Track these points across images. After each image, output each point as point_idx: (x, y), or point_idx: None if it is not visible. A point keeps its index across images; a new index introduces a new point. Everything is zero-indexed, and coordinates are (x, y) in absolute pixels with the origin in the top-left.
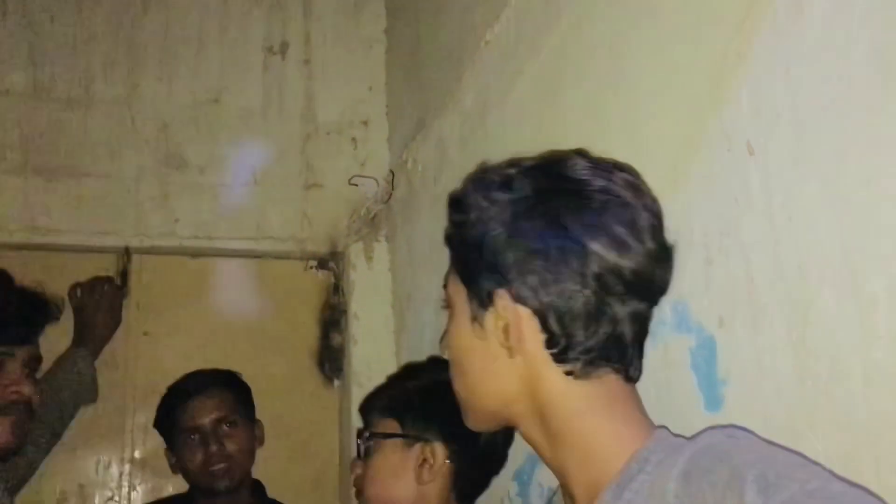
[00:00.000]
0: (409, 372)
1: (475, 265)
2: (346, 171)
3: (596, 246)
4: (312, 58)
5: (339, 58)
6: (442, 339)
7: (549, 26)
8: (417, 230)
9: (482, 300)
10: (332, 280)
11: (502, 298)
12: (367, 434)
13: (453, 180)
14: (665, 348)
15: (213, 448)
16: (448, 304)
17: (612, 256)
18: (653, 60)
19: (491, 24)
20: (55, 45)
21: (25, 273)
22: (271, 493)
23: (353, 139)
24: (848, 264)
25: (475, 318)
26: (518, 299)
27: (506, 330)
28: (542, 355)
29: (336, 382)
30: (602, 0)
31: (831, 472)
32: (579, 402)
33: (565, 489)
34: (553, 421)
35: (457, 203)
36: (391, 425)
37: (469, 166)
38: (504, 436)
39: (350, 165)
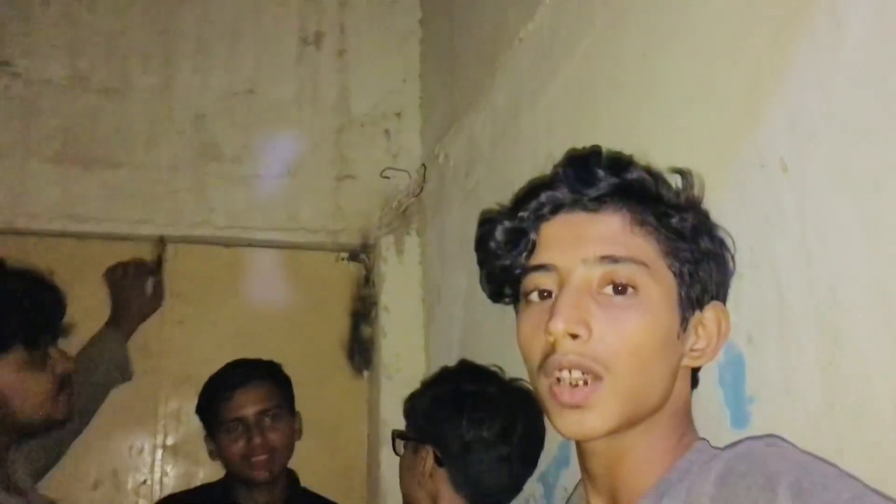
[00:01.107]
0: (435, 377)
1: (712, 272)
2: (378, 163)
3: None
4: (347, 48)
5: (374, 48)
6: (558, 311)
7: (583, 28)
8: (448, 225)
9: (697, 304)
10: (363, 272)
11: (722, 311)
12: (395, 432)
13: (484, 177)
14: None
15: (256, 440)
16: (640, 285)
17: None
18: (687, 70)
19: (525, 21)
20: (94, 36)
21: (62, 260)
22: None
23: (387, 131)
24: (881, 291)
25: (685, 318)
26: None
27: (696, 332)
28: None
29: (365, 374)
30: (636, 6)
31: (867, 486)
32: (687, 408)
33: (603, 493)
34: (647, 427)
35: (661, 179)
36: (407, 429)
37: (500, 164)
38: (500, 435)
39: (383, 157)
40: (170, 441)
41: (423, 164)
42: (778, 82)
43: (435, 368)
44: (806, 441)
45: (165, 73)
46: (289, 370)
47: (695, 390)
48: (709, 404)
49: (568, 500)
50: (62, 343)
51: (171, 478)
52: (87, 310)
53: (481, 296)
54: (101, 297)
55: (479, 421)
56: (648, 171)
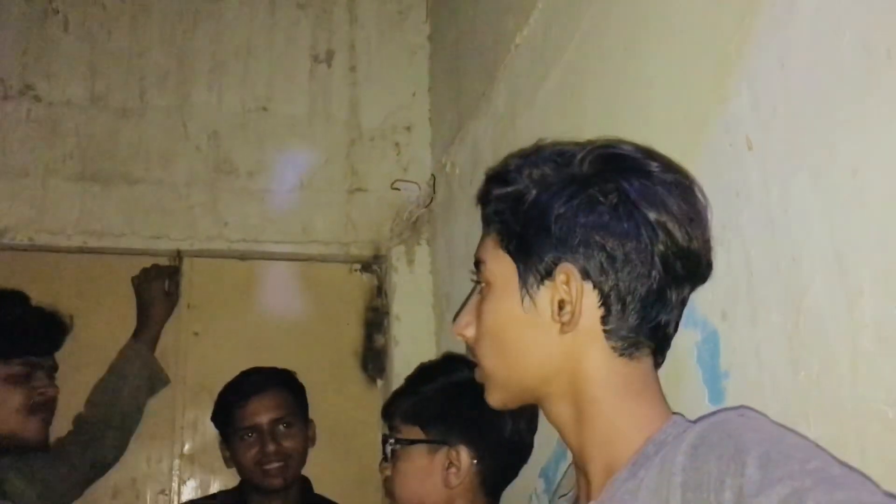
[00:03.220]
0: (424, 374)
1: (535, 237)
2: (389, 176)
3: (668, 225)
4: (357, 65)
5: (384, 64)
6: (458, 317)
7: (571, 28)
8: (456, 233)
9: (540, 274)
10: (375, 282)
11: (566, 273)
12: (391, 440)
13: None
14: (673, 342)
15: (270, 448)
16: (485, 280)
17: (680, 237)
18: (663, 60)
19: (521, 27)
20: (112, 58)
21: (82, 276)
22: (315, 489)
23: (397, 144)
24: (837, 255)
25: (528, 293)
26: (584, 276)
27: (561, 305)
28: (594, 331)
29: (379, 382)
30: (620, 1)
31: (834, 458)
32: (618, 380)
33: (581, 469)
34: (586, 399)
35: (505, 175)
36: (414, 431)
37: None
38: (528, 424)
39: (393, 170)
40: (188, 450)
41: (433, 175)
42: (741, 61)
43: None
44: (774, 409)
45: (181, 92)
46: (304, 380)
47: (675, 370)
48: (689, 383)
49: (557, 484)
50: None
51: (189, 487)
52: (107, 324)
53: None
54: (121, 311)
55: (518, 413)
56: (521, 156)
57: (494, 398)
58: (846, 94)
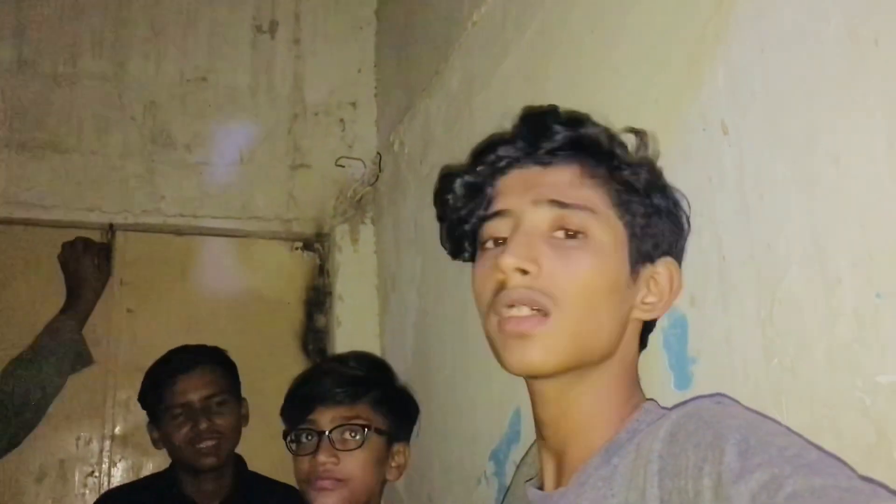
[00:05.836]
0: (372, 364)
1: (664, 225)
2: (333, 153)
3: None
4: (302, 38)
5: (329, 38)
6: (514, 248)
7: (534, 7)
8: (403, 212)
9: (647, 255)
10: (318, 261)
11: (670, 265)
12: (366, 426)
13: (439, 162)
14: None
15: (203, 425)
16: (585, 230)
17: None
18: (634, 41)
19: (478, 4)
20: (42, 19)
21: (8, 248)
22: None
23: (341, 120)
24: (815, 243)
25: (634, 269)
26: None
27: (648, 286)
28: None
29: None
30: None
31: (811, 443)
32: (632, 366)
33: (554, 453)
34: (602, 379)
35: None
36: (383, 421)
37: (454, 148)
38: None
39: (337, 147)
40: (118, 431)
41: (378, 153)
42: (719, 46)
43: (390, 356)
44: (745, 395)
45: (117, 60)
46: (242, 360)
47: (642, 354)
48: (654, 367)
49: (520, 463)
50: None
51: (120, 469)
52: (35, 299)
53: (435, 281)
54: (48, 285)
55: None
56: (604, 129)
57: (550, 356)
58: (830, 82)
